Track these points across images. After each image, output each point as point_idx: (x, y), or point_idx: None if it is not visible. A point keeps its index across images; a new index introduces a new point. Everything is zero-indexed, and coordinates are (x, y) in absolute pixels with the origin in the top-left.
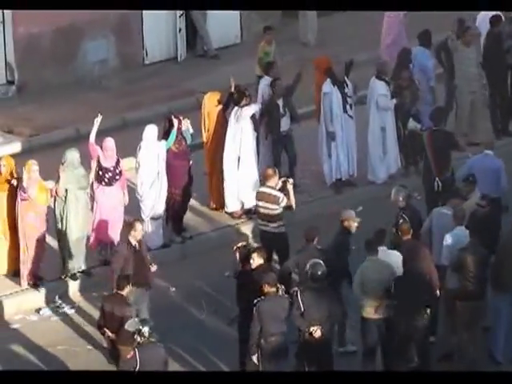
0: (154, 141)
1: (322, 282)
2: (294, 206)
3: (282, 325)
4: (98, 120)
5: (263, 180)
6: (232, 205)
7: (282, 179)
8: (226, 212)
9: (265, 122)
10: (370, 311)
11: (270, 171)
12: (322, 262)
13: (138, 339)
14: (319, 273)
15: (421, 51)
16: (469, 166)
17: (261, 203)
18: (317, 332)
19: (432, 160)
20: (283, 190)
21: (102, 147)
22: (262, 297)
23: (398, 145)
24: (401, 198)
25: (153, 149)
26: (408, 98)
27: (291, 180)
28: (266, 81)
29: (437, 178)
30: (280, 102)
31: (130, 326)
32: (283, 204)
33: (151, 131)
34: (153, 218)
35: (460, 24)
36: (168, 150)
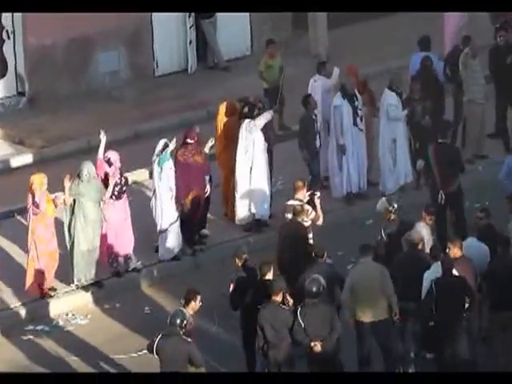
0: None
1: (318, 298)
2: (321, 219)
3: (281, 335)
4: (103, 135)
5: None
6: (242, 217)
7: (309, 192)
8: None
9: (301, 137)
10: (362, 315)
11: (299, 183)
12: (321, 278)
13: (175, 328)
14: (314, 289)
15: (432, 56)
16: (508, 165)
17: (289, 215)
18: (317, 347)
19: (437, 173)
20: (310, 202)
21: (108, 162)
22: (265, 304)
23: (410, 157)
24: (382, 210)
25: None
26: (419, 111)
27: (318, 193)
28: (321, 80)
29: (441, 191)
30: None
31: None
32: (311, 216)
33: (158, 145)
34: (162, 231)
35: (466, 40)
36: (177, 162)
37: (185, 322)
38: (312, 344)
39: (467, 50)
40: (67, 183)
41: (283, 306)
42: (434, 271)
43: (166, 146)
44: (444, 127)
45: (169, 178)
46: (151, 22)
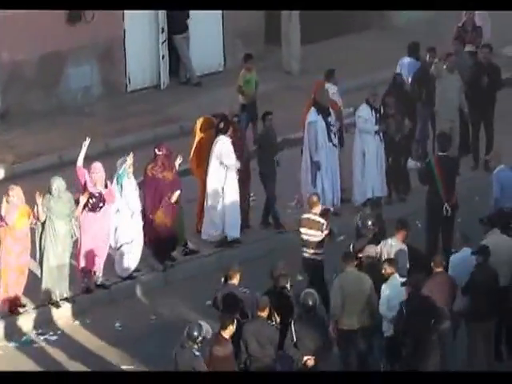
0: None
1: (313, 312)
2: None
3: (266, 351)
4: (85, 144)
5: (308, 207)
6: (209, 233)
7: (323, 208)
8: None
9: (259, 155)
10: (350, 322)
11: (314, 198)
12: (315, 292)
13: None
14: (310, 303)
15: (413, 63)
16: (498, 180)
17: (304, 230)
18: (310, 361)
19: (442, 185)
20: (323, 218)
21: (89, 172)
22: (251, 319)
23: (387, 172)
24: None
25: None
26: (393, 126)
27: (332, 209)
28: (330, 89)
29: (446, 204)
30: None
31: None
32: (326, 231)
33: (118, 162)
34: (118, 248)
35: (431, 52)
36: (146, 176)
37: (201, 336)
38: (305, 359)
39: (436, 62)
40: (39, 199)
41: (270, 322)
42: (391, 284)
43: (123, 162)
44: (443, 140)
45: (127, 196)
46: (124, 38)
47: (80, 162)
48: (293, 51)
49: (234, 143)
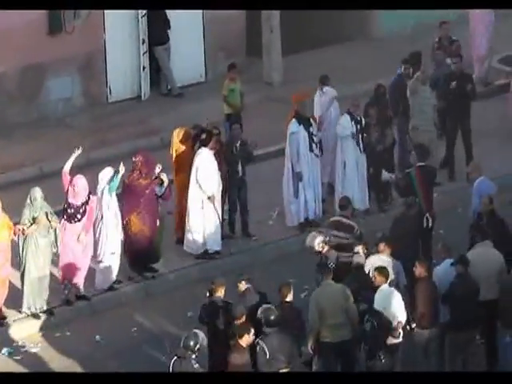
0: (104, 183)
1: (277, 326)
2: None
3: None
4: (76, 152)
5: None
6: (191, 245)
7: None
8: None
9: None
10: (328, 335)
11: (344, 201)
12: (273, 307)
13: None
14: (272, 317)
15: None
16: (479, 191)
17: (333, 232)
18: None
19: (423, 196)
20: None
21: (71, 183)
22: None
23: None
24: (316, 244)
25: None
26: (374, 137)
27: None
28: (329, 92)
29: (427, 214)
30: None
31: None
32: (357, 234)
33: (102, 174)
34: (100, 261)
35: (406, 64)
36: (124, 184)
37: (198, 345)
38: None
39: (417, 75)
40: (24, 212)
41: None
42: (381, 293)
43: (115, 173)
44: (421, 150)
45: (114, 206)
46: (104, 49)
47: (67, 168)
48: (274, 62)
49: (215, 155)
